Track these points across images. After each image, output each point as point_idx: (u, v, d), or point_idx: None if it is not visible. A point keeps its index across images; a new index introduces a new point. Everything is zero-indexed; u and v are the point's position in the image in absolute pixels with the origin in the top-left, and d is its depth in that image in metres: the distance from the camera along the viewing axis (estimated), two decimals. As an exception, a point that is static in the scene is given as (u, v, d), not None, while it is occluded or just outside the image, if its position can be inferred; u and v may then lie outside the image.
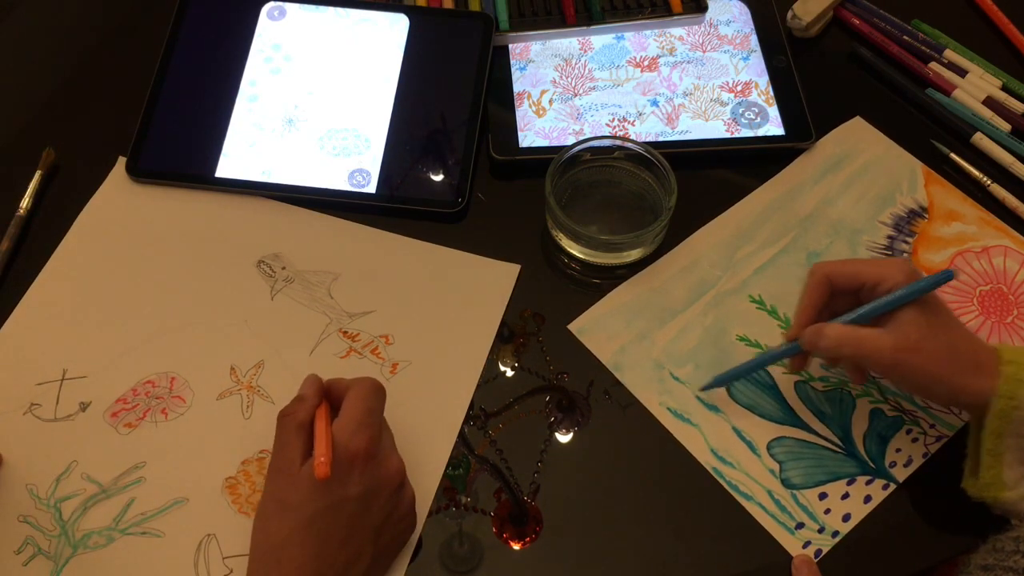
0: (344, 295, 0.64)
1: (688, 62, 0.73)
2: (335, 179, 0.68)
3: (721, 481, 0.58)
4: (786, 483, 0.58)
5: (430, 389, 0.61)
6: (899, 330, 0.53)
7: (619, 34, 0.75)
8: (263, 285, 0.65)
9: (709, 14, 0.75)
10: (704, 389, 0.61)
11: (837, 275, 0.56)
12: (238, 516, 0.57)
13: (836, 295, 0.56)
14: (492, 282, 0.65)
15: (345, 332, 0.63)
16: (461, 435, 0.60)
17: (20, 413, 0.60)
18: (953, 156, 0.69)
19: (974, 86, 0.72)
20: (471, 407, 0.61)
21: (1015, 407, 0.51)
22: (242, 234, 0.67)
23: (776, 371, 0.62)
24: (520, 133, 0.70)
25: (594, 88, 0.72)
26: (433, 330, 0.63)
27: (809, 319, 0.56)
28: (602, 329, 0.63)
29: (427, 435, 0.59)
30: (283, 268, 0.65)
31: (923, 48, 0.74)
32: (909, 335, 0.52)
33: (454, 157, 0.68)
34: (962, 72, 0.73)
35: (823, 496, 0.58)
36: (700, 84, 0.72)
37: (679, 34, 0.75)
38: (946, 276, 0.52)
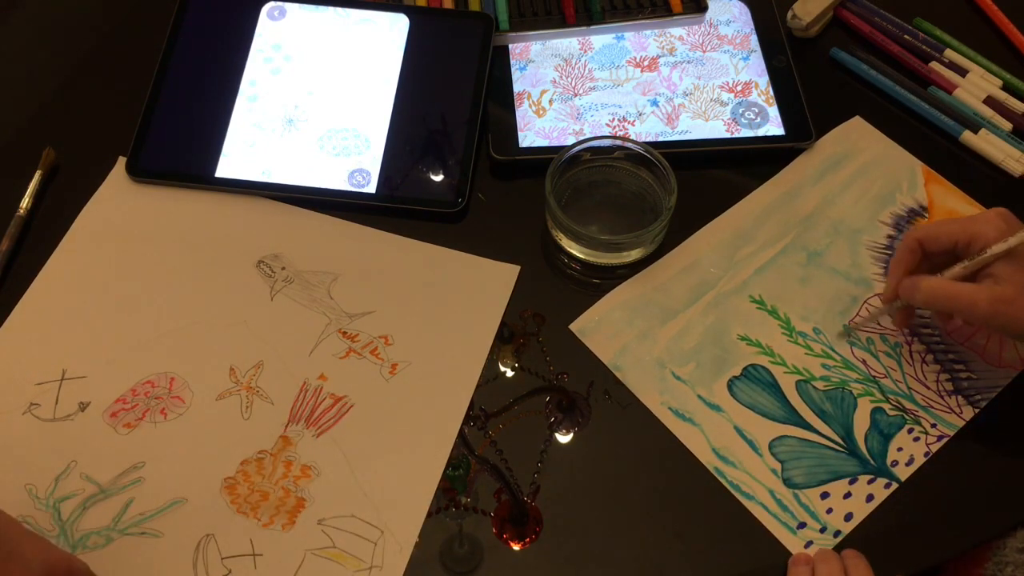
0: (344, 295, 0.64)
1: (688, 62, 0.73)
2: (335, 179, 0.68)
3: (722, 481, 0.58)
4: (788, 482, 0.58)
5: (430, 389, 0.61)
6: (995, 284, 0.54)
7: (619, 34, 0.75)
8: (263, 285, 0.65)
9: (709, 14, 0.74)
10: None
11: (928, 239, 0.57)
12: (237, 516, 0.57)
13: (932, 255, 0.58)
14: (492, 283, 0.65)
15: (345, 332, 0.63)
16: (461, 435, 0.60)
17: (19, 413, 0.60)
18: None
19: (975, 85, 0.72)
20: (471, 407, 0.60)
21: None
22: (242, 234, 0.67)
23: (777, 371, 0.62)
24: (520, 133, 0.70)
25: (594, 88, 0.72)
26: (433, 331, 0.63)
27: (900, 279, 0.58)
28: (603, 329, 0.63)
29: (427, 435, 0.59)
30: (283, 268, 0.65)
31: (924, 48, 0.74)
32: (1005, 289, 0.54)
33: (454, 157, 0.68)
34: (963, 72, 0.73)
35: (825, 495, 0.58)
36: (700, 84, 0.72)
37: (679, 34, 0.75)
38: None
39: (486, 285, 0.65)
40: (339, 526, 0.57)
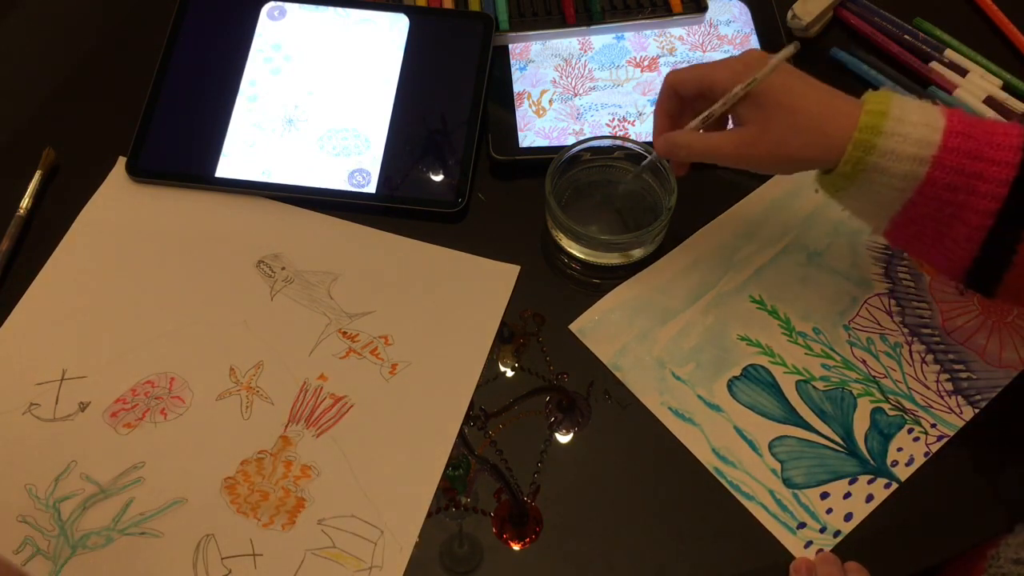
0: (344, 295, 0.64)
1: (688, 62, 0.73)
2: (335, 179, 0.68)
3: (722, 481, 0.58)
4: (788, 482, 0.58)
5: (430, 389, 0.61)
6: (736, 128, 0.56)
7: (619, 34, 0.75)
8: (263, 285, 0.65)
9: (709, 14, 0.74)
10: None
11: (679, 83, 0.57)
12: (236, 516, 0.57)
13: (693, 100, 0.58)
14: (492, 283, 0.65)
15: (345, 332, 0.63)
16: (461, 435, 0.60)
17: (19, 413, 0.60)
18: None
19: (975, 85, 0.72)
20: (471, 407, 0.60)
21: (860, 169, 0.51)
22: (242, 234, 0.67)
23: (777, 371, 0.62)
24: (520, 133, 0.70)
25: (594, 88, 0.72)
26: (433, 331, 0.63)
27: (664, 125, 0.59)
28: (603, 329, 0.63)
29: (427, 435, 0.59)
30: (283, 268, 0.65)
31: (923, 48, 0.74)
32: (744, 132, 0.55)
33: (454, 157, 0.68)
34: (963, 72, 0.73)
35: (825, 495, 0.58)
36: (700, 84, 0.72)
37: (679, 34, 0.75)
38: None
39: (486, 285, 0.65)
40: (339, 526, 0.57)
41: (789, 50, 0.54)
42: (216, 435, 0.60)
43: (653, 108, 0.59)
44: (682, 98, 0.58)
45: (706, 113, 0.56)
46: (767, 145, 0.54)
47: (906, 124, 0.50)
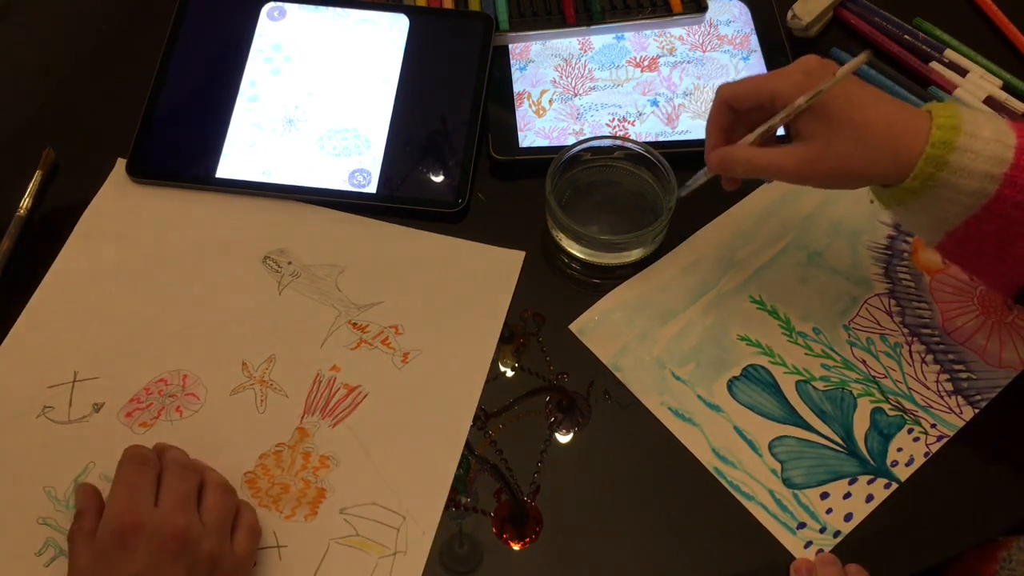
0: (351, 287, 0.64)
1: (688, 62, 0.73)
2: (335, 179, 0.68)
3: (722, 481, 0.58)
4: (788, 483, 0.58)
5: (443, 375, 0.61)
6: (799, 143, 0.53)
7: (619, 34, 0.75)
8: (270, 280, 0.65)
9: (709, 14, 0.74)
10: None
11: (734, 99, 0.55)
12: (259, 510, 0.57)
13: (748, 112, 0.55)
14: (498, 268, 0.65)
15: (355, 324, 0.63)
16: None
17: (33, 416, 0.60)
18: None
19: (975, 85, 0.72)
20: (471, 407, 0.61)
21: (929, 185, 0.50)
22: (246, 231, 0.67)
23: (777, 371, 0.62)
24: (520, 133, 0.70)
25: (594, 88, 0.72)
26: (442, 318, 0.63)
27: (718, 140, 0.56)
28: (603, 329, 0.63)
29: (443, 418, 0.60)
30: (289, 263, 0.66)
31: (924, 48, 0.74)
32: (806, 148, 0.52)
33: (454, 157, 0.68)
34: (963, 72, 0.73)
35: (825, 496, 0.58)
36: (700, 84, 0.72)
37: (679, 34, 0.75)
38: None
39: (492, 271, 0.65)
40: (361, 514, 0.57)
41: (860, 59, 0.51)
42: (233, 430, 0.60)
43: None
44: (736, 111, 0.56)
45: (765, 127, 0.54)
46: (832, 161, 0.51)
47: (978, 140, 0.49)
